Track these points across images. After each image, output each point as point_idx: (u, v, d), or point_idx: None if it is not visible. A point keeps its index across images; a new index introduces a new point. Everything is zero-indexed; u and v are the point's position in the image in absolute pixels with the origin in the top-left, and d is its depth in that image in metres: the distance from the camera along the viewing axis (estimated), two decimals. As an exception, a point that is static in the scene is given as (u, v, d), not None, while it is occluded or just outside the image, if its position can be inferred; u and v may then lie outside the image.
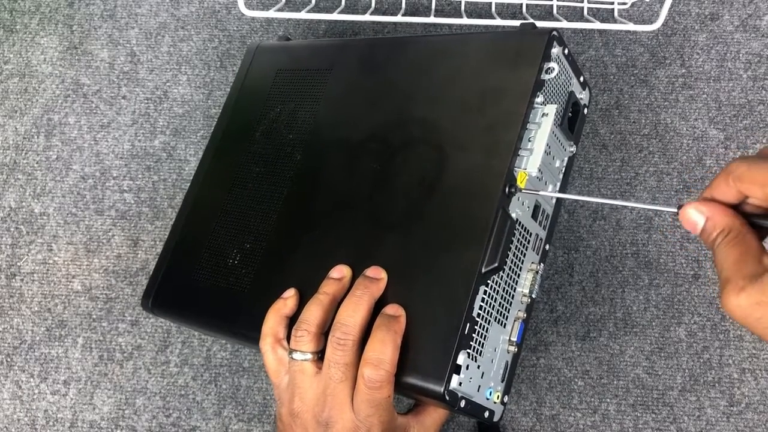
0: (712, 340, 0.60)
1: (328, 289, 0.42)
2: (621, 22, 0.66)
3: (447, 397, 0.38)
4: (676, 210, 0.35)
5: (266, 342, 0.43)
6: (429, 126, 0.46)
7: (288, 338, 0.43)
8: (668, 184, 0.64)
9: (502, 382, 0.44)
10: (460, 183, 0.43)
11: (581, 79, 0.50)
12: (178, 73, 0.71)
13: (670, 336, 0.60)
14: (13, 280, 0.66)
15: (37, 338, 0.64)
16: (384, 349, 0.38)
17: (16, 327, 0.64)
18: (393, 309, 0.41)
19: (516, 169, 0.42)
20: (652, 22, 0.62)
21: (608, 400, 0.59)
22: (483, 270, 0.39)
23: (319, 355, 0.41)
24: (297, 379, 0.41)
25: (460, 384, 0.38)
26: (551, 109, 0.44)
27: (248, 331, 0.46)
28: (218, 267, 0.50)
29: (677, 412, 0.59)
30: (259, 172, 0.53)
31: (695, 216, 0.34)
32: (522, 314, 0.44)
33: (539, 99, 0.44)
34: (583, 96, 0.51)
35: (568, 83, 0.48)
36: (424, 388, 0.38)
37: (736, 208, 0.34)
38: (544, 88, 0.44)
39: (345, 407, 0.39)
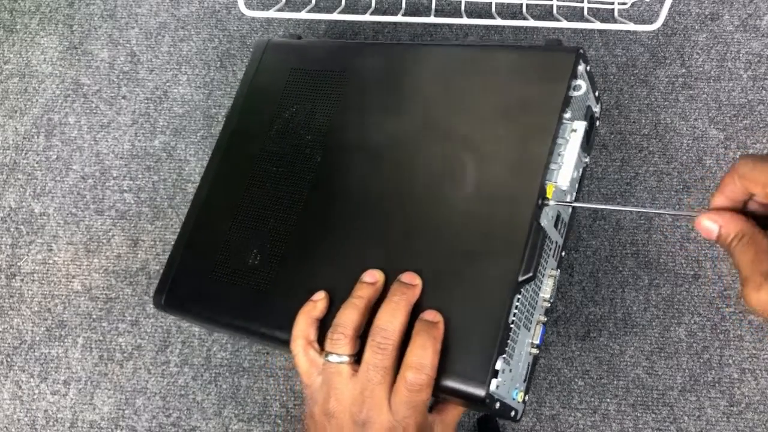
0: (712, 340, 0.60)
1: (362, 293, 0.43)
2: (621, 22, 0.66)
3: (486, 401, 0.40)
4: (696, 215, 0.38)
5: (298, 344, 0.44)
6: (459, 135, 0.47)
7: (318, 340, 0.44)
8: (668, 184, 0.64)
9: (524, 382, 0.45)
10: (492, 193, 0.44)
11: (596, 93, 0.52)
12: (178, 73, 0.71)
13: (670, 336, 0.60)
14: (13, 280, 0.66)
15: (37, 338, 0.64)
16: (425, 354, 0.40)
17: (16, 327, 0.64)
18: (432, 315, 0.42)
19: (546, 181, 0.44)
20: (652, 22, 0.62)
21: (608, 400, 0.59)
22: (519, 279, 0.42)
23: (355, 358, 0.42)
24: (333, 380, 0.42)
25: (497, 387, 0.40)
26: (580, 126, 0.46)
27: (275, 332, 0.47)
28: (237, 266, 0.50)
29: (677, 412, 0.59)
30: (277, 172, 0.52)
31: (709, 225, 0.37)
32: (543, 318, 0.46)
33: (567, 114, 0.46)
34: (596, 109, 0.53)
35: (587, 98, 0.50)
36: (465, 392, 0.40)
37: (746, 208, 0.37)
38: (571, 103, 0.46)
39: (383, 408, 0.40)
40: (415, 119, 0.49)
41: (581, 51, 0.46)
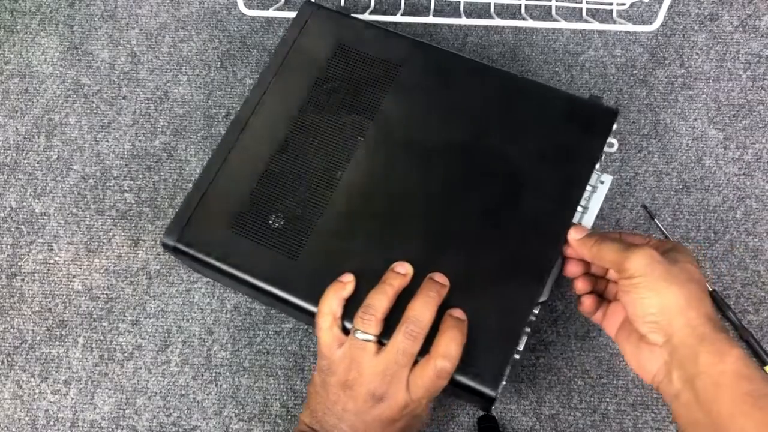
0: (712, 340, 0.60)
1: (393, 282, 0.48)
2: (620, 23, 0.66)
3: (494, 400, 0.46)
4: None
5: (326, 319, 0.47)
6: (505, 156, 0.52)
7: (341, 318, 0.48)
8: (668, 184, 0.64)
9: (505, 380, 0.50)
10: (528, 221, 0.50)
11: (616, 149, 0.57)
12: (178, 73, 0.72)
13: (669, 335, 0.60)
14: (14, 280, 0.66)
15: (38, 338, 0.64)
16: (453, 345, 0.45)
17: (17, 327, 0.64)
18: (459, 313, 0.47)
19: (572, 223, 0.50)
20: (651, 23, 0.62)
21: (608, 399, 0.59)
22: (539, 300, 0.48)
23: (378, 338, 0.46)
24: (357, 355, 0.46)
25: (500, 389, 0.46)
26: (608, 179, 0.52)
27: (301, 301, 0.50)
28: (260, 225, 0.51)
29: (677, 411, 0.59)
30: (312, 144, 0.54)
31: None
32: (528, 330, 0.50)
33: (598, 166, 0.52)
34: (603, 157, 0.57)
35: (611, 152, 0.56)
36: (478, 390, 0.46)
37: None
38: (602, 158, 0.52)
39: (402, 387, 0.45)
40: (464, 132, 0.53)
41: (618, 112, 0.53)
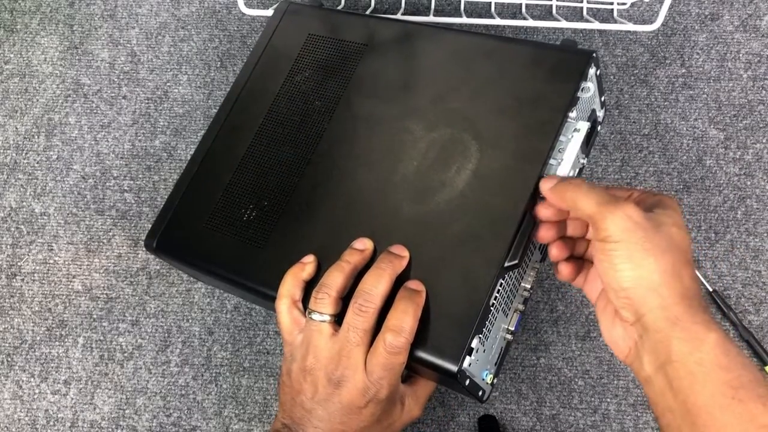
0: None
1: (350, 258, 0.45)
2: (620, 23, 0.66)
3: (458, 376, 0.41)
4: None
5: (283, 302, 0.45)
6: (465, 119, 0.49)
7: (303, 301, 0.46)
8: (668, 184, 0.64)
9: (495, 365, 0.47)
10: (490, 179, 0.46)
11: (602, 98, 0.53)
12: (178, 73, 0.72)
13: (670, 336, 0.60)
14: (14, 280, 0.66)
15: (38, 338, 0.64)
16: (406, 318, 0.41)
17: (17, 327, 0.64)
18: (415, 284, 0.43)
19: (543, 175, 0.45)
20: (651, 22, 0.62)
21: (608, 399, 0.59)
22: (505, 264, 0.43)
23: (336, 318, 0.44)
24: (313, 338, 0.43)
25: (470, 365, 0.42)
26: (583, 126, 0.47)
27: (262, 288, 0.48)
28: (233, 219, 0.51)
29: (677, 411, 0.59)
30: (282, 134, 0.54)
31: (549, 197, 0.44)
32: (521, 306, 0.47)
33: (572, 114, 0.47)
34: (600, 114, 0.54)
35: (593, 101, 0.51)
36: (437, 365, 0.42)
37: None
38: (577, 104, 0.48)
39: (359, 368, 0.42)
40: (425, 99, 0.51)
41: (594, 54, 0.48)
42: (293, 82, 0.55)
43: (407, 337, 0.41)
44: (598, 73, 0.50)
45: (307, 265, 0.46)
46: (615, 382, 0.59)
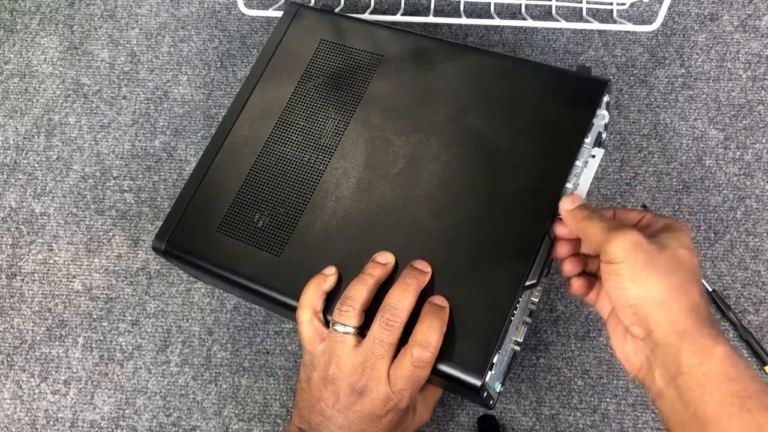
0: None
1: (373, 272, 0.46)
2: (620, 23, 0.66)
3: (481, 390, 0.43)
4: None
5: (305, 312, 0.46)
6: (483, 138, 0.50)
7: (324, 312, 0.47)
8: (668, 184, 0.64)
9: (503, 374, 0.49)
10: (510, 199, 0.48)
11: (607, 120, 0.54)
12: (178, 73, 0.72)
13: (669, 336, 0.60)
14: (14, 280, 0.66)
15: (38, 338, 0.64)
16: (432, 333, 0.43)
17: (17, 327, 0.64)
18: (440, 300, 0.45)
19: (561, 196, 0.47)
20: (651, 23, 0.62)
21: (608, 399, 0.59)
22: (526, 284, 0.45)
23: (359, 330, 0.45)
24: (337, 348, 0.44)
25: (489, 378, 0.44)
26: (599, 153, 0.49)
27: (281, 296, 0.49)
28: (246, 225, 0.51)
29: (677, 411, 0.59)
30: (297, 142, 0.54)
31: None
32: (528, 319, 0.49)
33: (588, 139, 0.49)
34: (604, 135, 0.55)
35: (601, 126, 0.53)
36: (461, 380, 0.43)
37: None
38: (591, 129, 0.50)
39: (382, 379, 0.43)
40: (442, 116, 0.52)
41: (609, 82, 0.50)
42: (306, 88, 0.55)
43: (433, 351, 0.43)
44: (608, 99, 0.51)
45: (329, 277, 0.47)
46: (614, 382, 0.59)
